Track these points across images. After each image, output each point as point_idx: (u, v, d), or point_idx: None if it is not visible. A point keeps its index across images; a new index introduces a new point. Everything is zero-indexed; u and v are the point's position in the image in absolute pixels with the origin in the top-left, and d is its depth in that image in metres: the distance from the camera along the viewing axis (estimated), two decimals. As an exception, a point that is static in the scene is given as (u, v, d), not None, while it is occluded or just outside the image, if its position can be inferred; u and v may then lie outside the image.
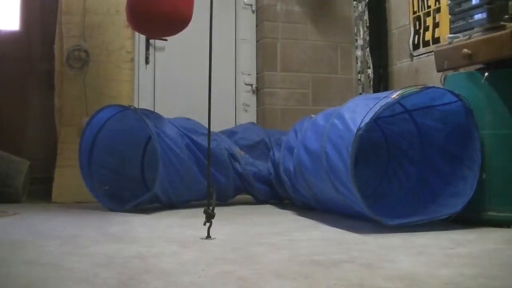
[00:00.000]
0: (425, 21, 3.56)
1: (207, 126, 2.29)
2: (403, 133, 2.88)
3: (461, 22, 2.52)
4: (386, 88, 3.89)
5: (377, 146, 3.07)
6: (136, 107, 3.75)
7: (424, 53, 3.58)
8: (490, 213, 2.35)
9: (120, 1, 3.90)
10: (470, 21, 2.47)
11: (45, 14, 4.08)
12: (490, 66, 2.41)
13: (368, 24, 4.15)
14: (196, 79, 3.86)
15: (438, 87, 2.50)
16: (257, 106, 4.59)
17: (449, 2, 2.67)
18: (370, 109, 2.28)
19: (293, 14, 4.49)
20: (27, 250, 1.82)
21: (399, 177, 2.95)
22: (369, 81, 4.12)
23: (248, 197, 3.66)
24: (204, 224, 2.05)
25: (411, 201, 2.66)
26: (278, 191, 3.44)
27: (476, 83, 2.41)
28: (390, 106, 2.37)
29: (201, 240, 2.00)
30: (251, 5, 4.68)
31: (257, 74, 4.59)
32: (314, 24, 4.48)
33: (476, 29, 2.46)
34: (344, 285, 1.31)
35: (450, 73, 2.62)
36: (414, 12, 3.68)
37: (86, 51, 3.80)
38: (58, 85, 3.82)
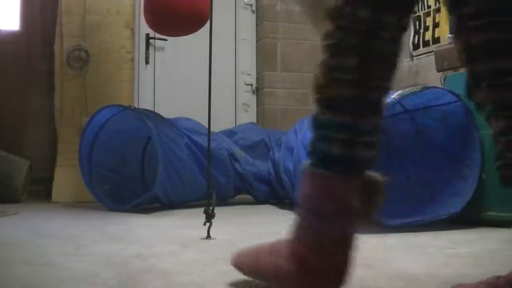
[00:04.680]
0: (425, 21, 3.56)
1: (207, 126, 2.29)
2: (403, 133, 2.88)
3: (461, 22, 2.52)
4: (386, 88, 3.88)
5: (377, 146, 3.07)
6: (136, 107, 3.76)
7: (424, 53, 3.58)
8: (490, 213, 2.34)
9: (120, 1, 3.90)
10: (470, 21, 2.47)
11: (45, 14, 4.08)
12: (490, 66, 2.40)
13: (368, 24, 4.15)
14: (196, 79, 3.86)
15: (438, 87, 2.50)
16: (257, 106, 4.60)
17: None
18: (370, 109, 2.28)
19: (293, 14, 4.49)
20: (27, 250, 1.82)
21: (399, 177, 2.95)
22: (369, 81, 4.12)
23: (248, 197, 3.66)
24: (204, 224, 2.05)
25: (411, 201, 2.66)
26: (278, 191, 3.44)
27: (476, 83, 2.41)
28: (390, 106, 2.37)
29: (201, 240, 2.00)
30: (251, 5, 4.69)
31: (257, 74, 4.59)
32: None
33: (476, 29, 2.45)
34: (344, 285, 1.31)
35: (450, 73, 2.62)
36: (414, 12, 3.68)
37: (86, 51, 3.81)
38: (58, 85, 3.82)
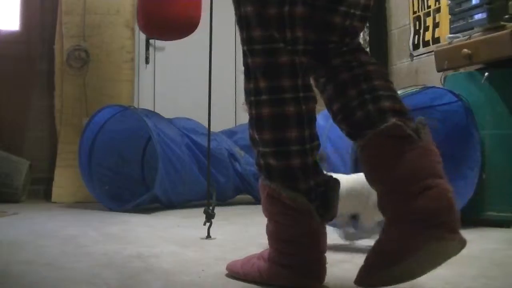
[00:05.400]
0: (425, 21, 3.56)
1: (207, 126, 2.29)
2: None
3: (461, 22, 2.52)
4: (386, 88, 3.88)
5: (377, 146, 3.07)
6: (136, 107, 3.76)
7: (424, 53, 3.57)
8: (490, 213, 2.34)
9: (120, 1, 3.90)
10: (470, 21, 2.47)
11: (45, 14, 4.07)
12: (490, 66, 2.41)
13: (368, 24, 4.15)
14: (196, 79, 3.86)
15: (438, 87, 2.50)
16: (257, 106, 4.59)
17: (449, 2, 2.67)
18: (370, 109, 2.28)
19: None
20: (27, 250, 1.82)
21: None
22: (369, 81, 4.11)
23: (248, 197, 3.66)
24: (204, 224, 2.05)
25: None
26: (278, 191, 3.44)
27: (476, 83, 2.41)
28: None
29: (201, 240, 2.00)
30: (251, 5, 4.68)
31: (257, 74, 4.59)
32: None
33: (476, 29, 2.46)
34: (344, 285, 1.31)
35: (450, 73, 2.62)
36: (414, 12, 3.68)
37: (86, 51, 3.80)
38: (58, 85, 3.82)
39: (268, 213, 1.27)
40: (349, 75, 1.22)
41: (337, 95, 1.23)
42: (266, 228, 1.30)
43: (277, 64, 1.22)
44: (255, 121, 1.26)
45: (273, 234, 1.27)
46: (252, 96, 1.27)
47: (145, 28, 3.11)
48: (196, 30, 3.17)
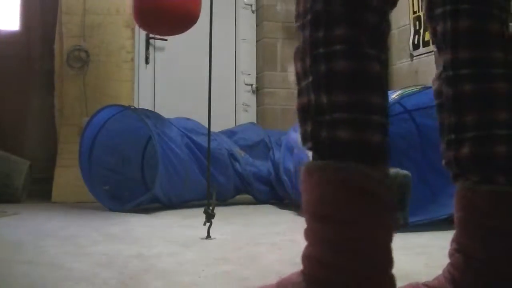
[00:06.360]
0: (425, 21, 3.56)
1: (207, 126, 2.29)
2: (403, 133, 2.88)
3: (461, 22, 2.52)
4: (386, 88, 3.89)
5: (377, 146, 3.07)
6: (136, 107, 3.76)
7: (424, 53, 3.58)
8: (490, 213, 2.34)
9: (120, 1, 3.90)
10: (470, 21, 2.47)
11: (45, 14, 4.08)
12: (490, 66, 2.40)
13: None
14: (196, 79, 3.86)
15: (438, 87, 2.50)
16: (257, 106, 4.59)
17: (449, 2, 2.67)
18: (370, 109, 2.28)
19: (293, 14, 4.49)
20: (27, 250, 1.82)
21: (399, 177, 2.94)
22: (369, 81, 4.12)
23: (248, 197, 3.66)
24: (204, 224, 2.05)
25: (411, 201, 2.66)
26: (278, 191, 3.44)
27: (476, 83, 2.41)
28: (390, 106, 2.37)
29: (201, 240, 2.00)
30: (251, 5, 4.69)
31: (257, 74, 4.59)
32: (314, 24, 4.47)
33: (476, 29, 2.45)
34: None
35: (450, 73, 2.62)
36: (414, 12, 3.68)
37: (86, 51, 3.81)
38: (58, 85, 3.82)
39: (340, 213, 0.86)
40: (506, 86, 0.91)
41: (475, 101, 0.92)
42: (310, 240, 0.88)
43: (362, 15, 0.92)
44: (325, 78, 0.91)
45: (338, 242, 0.86)
46: (321, 47, 0.93)
47: (140, 23, 3.10)
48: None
